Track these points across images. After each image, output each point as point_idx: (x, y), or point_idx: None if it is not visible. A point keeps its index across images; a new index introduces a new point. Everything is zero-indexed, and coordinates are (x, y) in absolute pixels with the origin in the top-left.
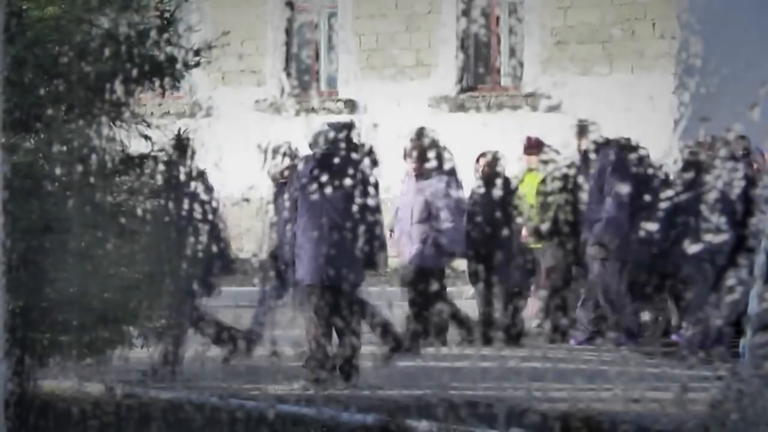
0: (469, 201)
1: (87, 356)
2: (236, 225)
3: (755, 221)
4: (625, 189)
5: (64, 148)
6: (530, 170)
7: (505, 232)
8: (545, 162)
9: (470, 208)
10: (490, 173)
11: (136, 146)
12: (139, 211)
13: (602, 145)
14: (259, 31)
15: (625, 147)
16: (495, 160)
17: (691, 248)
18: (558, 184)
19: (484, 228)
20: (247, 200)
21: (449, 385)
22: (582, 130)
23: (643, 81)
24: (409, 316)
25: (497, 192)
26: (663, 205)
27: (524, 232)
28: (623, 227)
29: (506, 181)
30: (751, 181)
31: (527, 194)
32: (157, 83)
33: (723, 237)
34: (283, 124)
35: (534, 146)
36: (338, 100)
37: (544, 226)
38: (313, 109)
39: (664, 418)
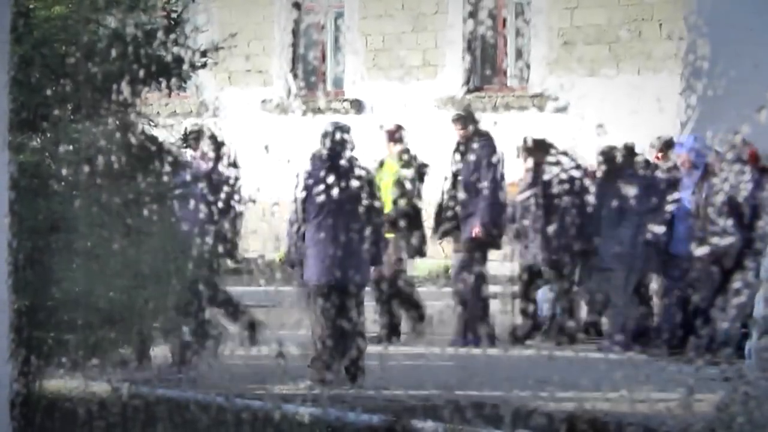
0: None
1: (93, 356)
2: (243, 225)
3: (762, 224)
4: (501, 182)
5: (71, 147)
6: (390, 160)
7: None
8: (405, 152)
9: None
10: None
11: None
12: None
13: (481, 137)
14: (265, 31)
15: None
16: None
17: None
18: (414, 173)
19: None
20: (253, 201)
21: (455, 385)
22: (460, 120)
23: (650, 82)
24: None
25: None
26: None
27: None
28: (500, 222)
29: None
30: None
31: (386, 183)
32: (164, 83)
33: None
34: (290, 125)
35: (394, 135)
36: (345, 101)
37: (397, 216)
38: (319, 110)
39: (670, 420)
